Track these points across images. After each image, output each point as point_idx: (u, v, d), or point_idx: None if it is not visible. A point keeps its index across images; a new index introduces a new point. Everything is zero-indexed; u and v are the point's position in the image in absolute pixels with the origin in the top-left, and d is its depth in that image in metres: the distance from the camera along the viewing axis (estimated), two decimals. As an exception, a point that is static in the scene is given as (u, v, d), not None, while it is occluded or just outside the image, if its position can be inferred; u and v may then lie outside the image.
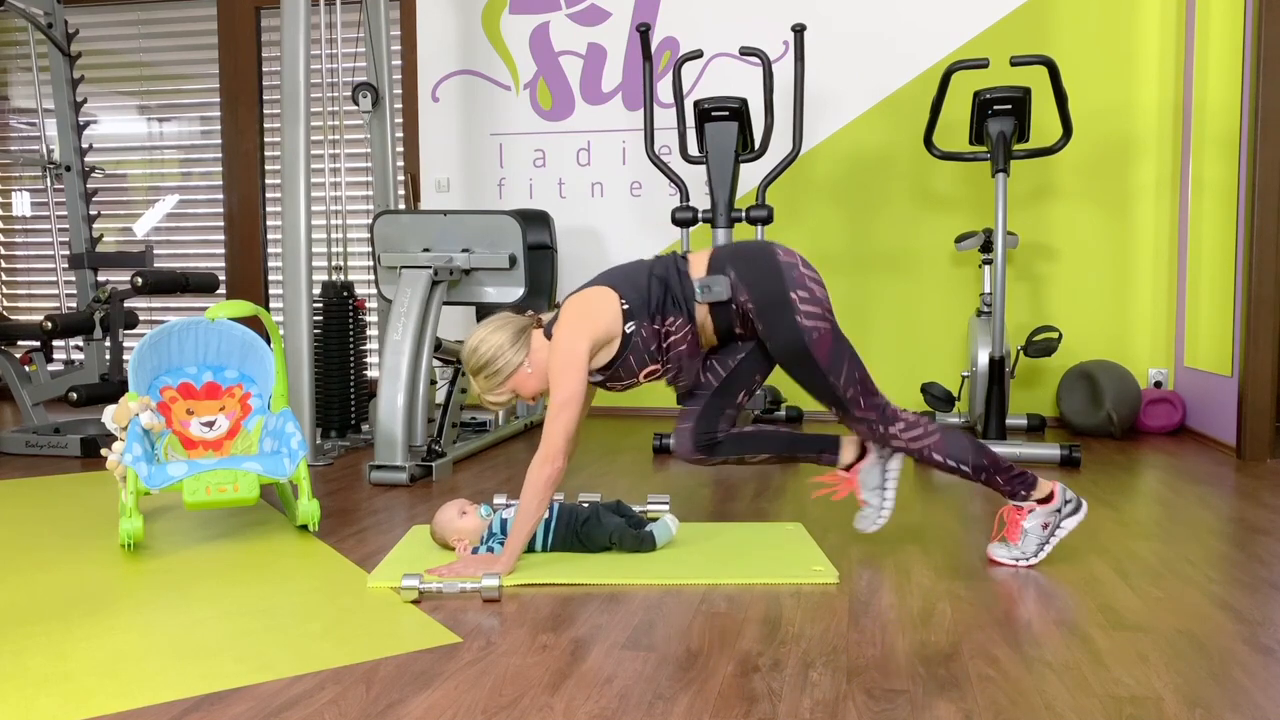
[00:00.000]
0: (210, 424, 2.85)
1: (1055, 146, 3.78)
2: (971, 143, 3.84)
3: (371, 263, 4.12)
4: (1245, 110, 3.76)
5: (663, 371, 2.34)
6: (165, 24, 5.57)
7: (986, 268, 4.29)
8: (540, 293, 4.54)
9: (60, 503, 3.06)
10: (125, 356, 4.26)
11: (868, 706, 1.55)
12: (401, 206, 5.10)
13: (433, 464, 3.42)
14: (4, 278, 5.89)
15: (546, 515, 2.40)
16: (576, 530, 2.40)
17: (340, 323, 4.10)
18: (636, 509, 2.58)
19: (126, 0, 5.57)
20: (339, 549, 2.50)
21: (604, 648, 1.80)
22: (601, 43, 4.99)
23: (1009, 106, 3.63)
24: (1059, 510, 2.31)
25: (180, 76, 5.60)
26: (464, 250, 3.71)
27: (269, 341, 2.99)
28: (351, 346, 4.15)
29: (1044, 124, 4.54)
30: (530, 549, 2.39)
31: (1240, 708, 1.55)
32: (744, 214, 3.98)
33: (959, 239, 4.34)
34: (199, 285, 4.17)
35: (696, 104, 3.90)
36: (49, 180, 4.36)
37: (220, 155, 5.54)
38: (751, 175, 4.84)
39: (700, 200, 4.85)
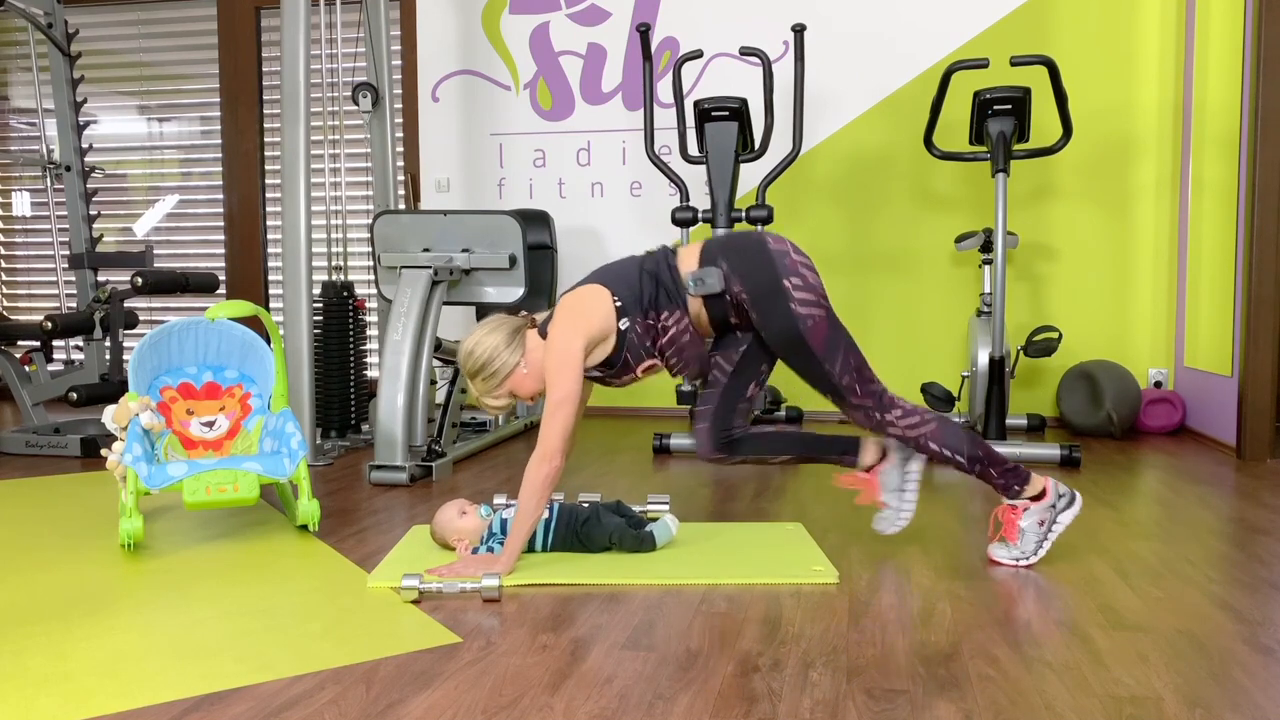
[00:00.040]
0: (210, 424, 2.85)
1: (1055, 146, 3.79)
2: (971, 143, 3.84)
3: (371, 263, 4.12)
4: (1245, 110, 3.76)
5: (662, 365, 2.34)
6: (165, 24, 5.57)
7: (986, 268, 4.29)
8: (540, 293, 4.54)
9: (60, 503, 3.06)
10: (125, 356, 4.25)
11: (868, 706, 1.55)
12: (401, 206, 5.10)
13: (433, 464, 3.43)
14: (4, 278, 5.89)
15: (546, 515, 2.40)
16: (576, 530, 2.40)
17: (340, 323, 4.10)
18: (636, 509, 2.58)
19: (126, 0, 5.57)
20: (339, 549, 2.50)
21: (604, 648, 1.80)
22: (601, 43, 4.99)
23: (1009, 106, 3.63)
24: (1053, 506, 2.32)
25: (180, 76, 5.60)
26: (464, 250, 3.71)
27: (269, 341, 2.99)
28: (351, 346, 4.15)
29: (1044, 124, 4.54)
30: (530, 549, 2.39)
31: (1240, 708, 1.55)
32: (744, 214, 3.98)
33: (959, 239, 4.34)
34: (199, 285, 4.17)
35: (696, 104, 3.89)
36: (49, 180, 4.36)
37: (220, 155, 5.54)
38: (751, 175, 4.84)
39: (700, 200, 4.85)
